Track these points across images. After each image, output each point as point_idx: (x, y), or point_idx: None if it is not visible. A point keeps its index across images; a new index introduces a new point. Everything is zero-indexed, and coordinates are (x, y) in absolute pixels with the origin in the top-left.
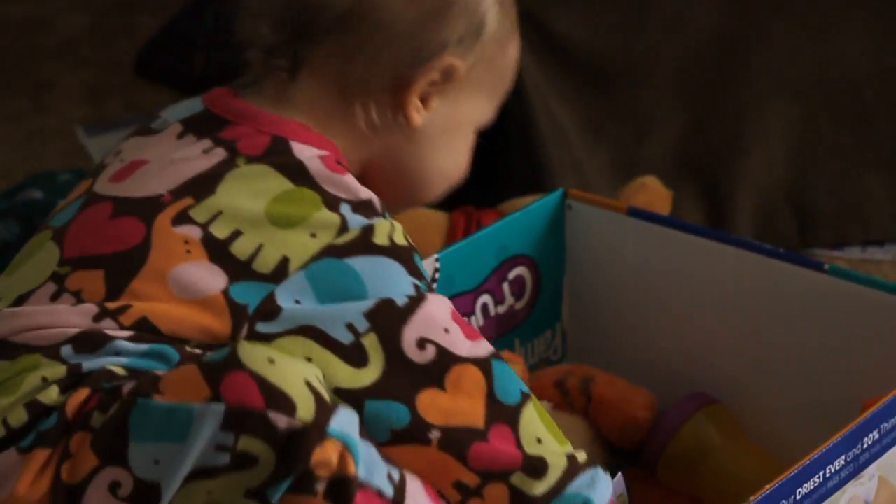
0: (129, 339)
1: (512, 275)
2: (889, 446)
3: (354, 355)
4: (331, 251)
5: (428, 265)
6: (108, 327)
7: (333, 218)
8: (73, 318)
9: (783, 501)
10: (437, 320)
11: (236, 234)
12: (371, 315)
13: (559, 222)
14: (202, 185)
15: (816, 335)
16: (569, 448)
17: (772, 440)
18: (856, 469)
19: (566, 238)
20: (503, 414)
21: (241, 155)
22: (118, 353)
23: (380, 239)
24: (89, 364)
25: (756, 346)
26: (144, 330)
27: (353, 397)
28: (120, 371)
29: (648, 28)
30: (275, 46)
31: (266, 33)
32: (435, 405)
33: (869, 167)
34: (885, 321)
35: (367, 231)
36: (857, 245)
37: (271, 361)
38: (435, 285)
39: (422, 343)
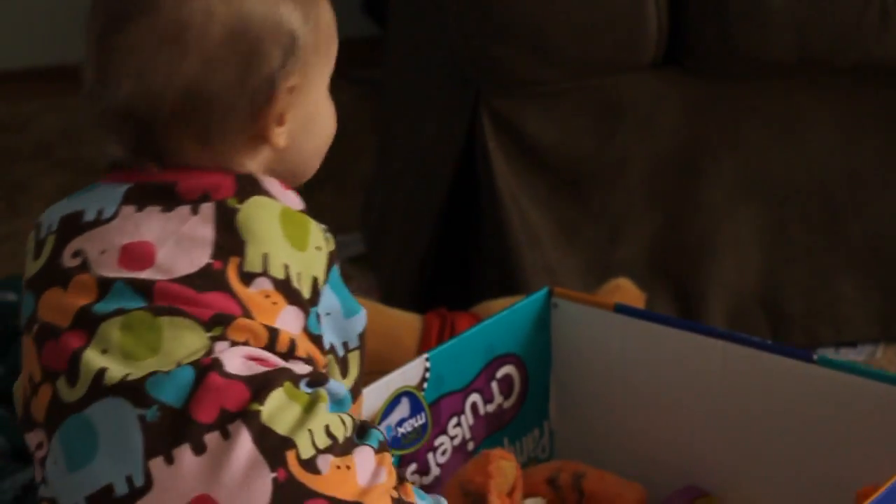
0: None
1: (500, 373)
2: None
3: (343, 366)
4: (331, 260)
5: (418, 365)
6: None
7: (317, 229)
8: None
9: None
10: None
11: (287, 269)
12: (362, 336)
13: (545, 321)
14: (230, 241)
15: (807, 425)
16: None
17: None
18: None
19: (552, 336)
20: None
21: (226, 199)
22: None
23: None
24: None
25: (746, 439)
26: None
27: None
28: None
29: (620, 131)
30: (136, 151)
31: (116, 150)
32: None
33: (840, 268)
34: (876, 410)
35: (330, 234)
36: (830, 346)
37: None
38: (425, 385)
39: None
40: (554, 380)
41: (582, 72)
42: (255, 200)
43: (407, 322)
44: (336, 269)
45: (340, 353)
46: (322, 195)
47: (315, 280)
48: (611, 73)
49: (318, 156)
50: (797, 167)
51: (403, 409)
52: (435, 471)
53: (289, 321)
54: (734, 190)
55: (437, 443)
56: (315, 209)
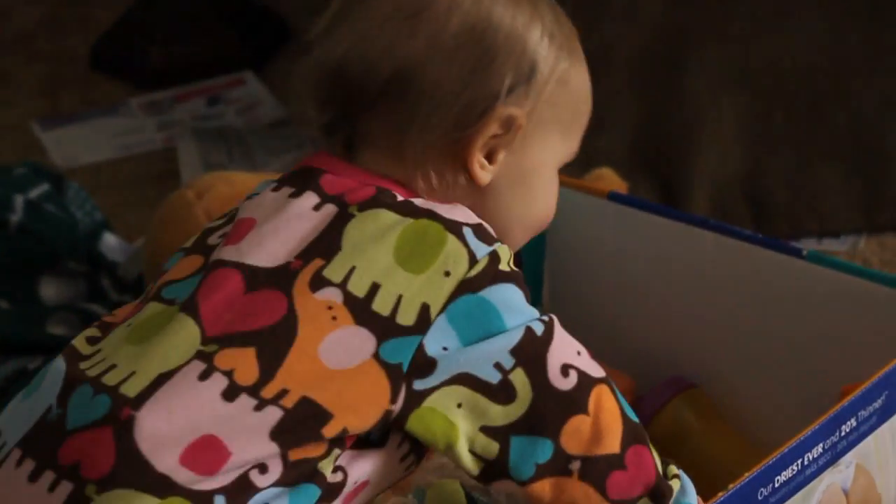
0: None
1: None
2: (866, 434)
3: (503, 393)
4: (465, 287)
5: None
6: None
7: (461, 250)
8: (219, 408)
9: (762, 489)
10: (570, 343)
11: (375, 289)
12: (516, 351)
13: None
14: (326, 243)
15: (794, 321)
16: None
17: (749, 425)
18: (833, 457)
19: None
20: (637, 433)
21: (352, 205)
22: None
23: (504, 265)
24: None
25: (734, 332)
26: (307, 411)
27: (500, 433)
28: None
29: (603, 20)
30: (330, 126)
31: (316, 115)
32: (578, 434)
33: (823, 158)
34: (863, 307)
35: (494, 258)
36: (813, 236)
37: None
38: None
39: (565, 369)
40: (547, 266)
41: None
42: (374, 213)
43: None
44: (472, 297)
45: (494, 379)
46: None
47: (425, 307)
48: None
49: (520, 228)
50: (782, 56)
51: None
52: None
53: (344, 342)
54: (718, 79)
55: None
56: None
